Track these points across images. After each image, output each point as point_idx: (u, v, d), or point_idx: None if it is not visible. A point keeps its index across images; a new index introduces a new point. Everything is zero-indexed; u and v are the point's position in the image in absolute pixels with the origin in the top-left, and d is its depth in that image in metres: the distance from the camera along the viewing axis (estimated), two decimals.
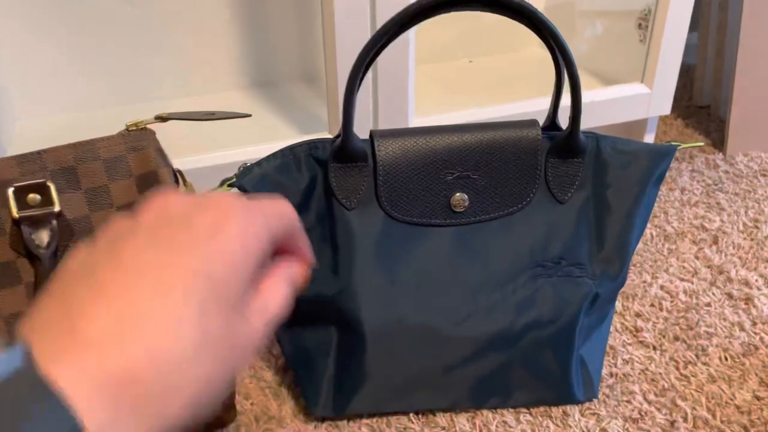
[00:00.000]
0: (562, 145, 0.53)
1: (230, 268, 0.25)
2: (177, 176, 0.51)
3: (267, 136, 0.80)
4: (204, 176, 0.72)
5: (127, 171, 0.47)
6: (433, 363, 0.52)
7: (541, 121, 0.56)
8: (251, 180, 0.51)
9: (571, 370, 0.54)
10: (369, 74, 0.73)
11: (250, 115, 0.54)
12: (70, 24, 0.83)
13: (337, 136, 0.51)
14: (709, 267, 0.74)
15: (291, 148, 0.52)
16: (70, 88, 0.87)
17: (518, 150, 0.53)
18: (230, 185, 0.51)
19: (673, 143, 0.55)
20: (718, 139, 1.02)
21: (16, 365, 0.21)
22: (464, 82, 0.99)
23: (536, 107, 0.84)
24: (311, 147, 0.52)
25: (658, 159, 0.55)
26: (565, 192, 0.54)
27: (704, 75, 1.11)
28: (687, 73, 1.22)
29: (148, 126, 0.50)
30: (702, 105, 1.13)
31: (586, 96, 0.87)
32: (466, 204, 0.53)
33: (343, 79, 0.73)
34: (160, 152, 0.49)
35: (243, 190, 0.51)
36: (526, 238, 0.54)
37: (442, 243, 0.53)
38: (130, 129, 0.49)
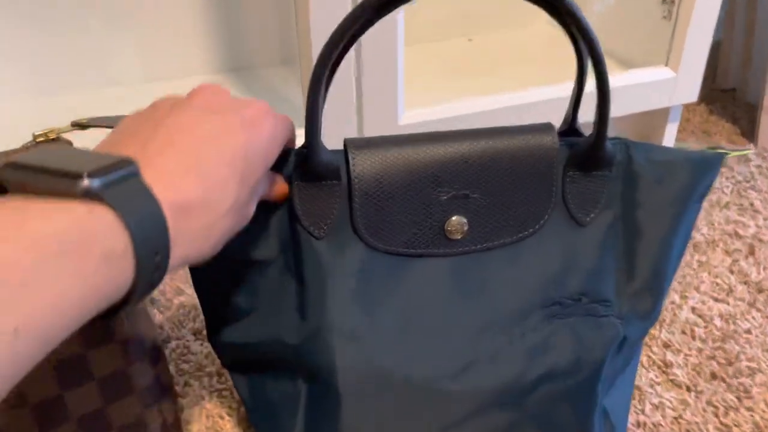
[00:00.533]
0: (584, 155, 0.42)
1: (261, 155, 0.33)
2: None
3: None
4: None
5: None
6: (425, 424, 0.42)
7: (556, 120, 0.45)
8: None
9: (593, 428, 0.44)
10: (351, 61, 0.63)
11: None
12: (27, 2, 0.72)
13: (303, 147, 0.41)
14: (746, 283, 0.64)
15: None
16: (25, 72, 0.76)
17: (529, 162, 0.42)
18: None
19: (719, 150, 0.45)
20: (747, 128, 0.92)
21: (129, 170, 0.26)
22: (463, 65, 0.88)
23: (547, 95, 0.73)
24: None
25: (702, 172, 0.44)
26: (588, 212, 0.43)
27: (731, 54, 1.00)
28: (710, 51, 1.11)
29: (62, 136, 0.39)
30: (728, 88, 1.02)
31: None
32: (465, 229, 0.42)
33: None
34: None
35: None
36: (539, 269, 0.43)
37: (434, 277, 0.43)
38: (37, 140, 0.38)
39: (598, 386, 0.43)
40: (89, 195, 0.24)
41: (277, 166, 0.40)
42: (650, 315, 0.45)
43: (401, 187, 0.42)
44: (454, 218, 0.42)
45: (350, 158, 0.41)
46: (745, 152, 0.47)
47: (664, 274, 0.44)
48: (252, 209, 0.35)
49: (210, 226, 0.29)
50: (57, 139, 0.39)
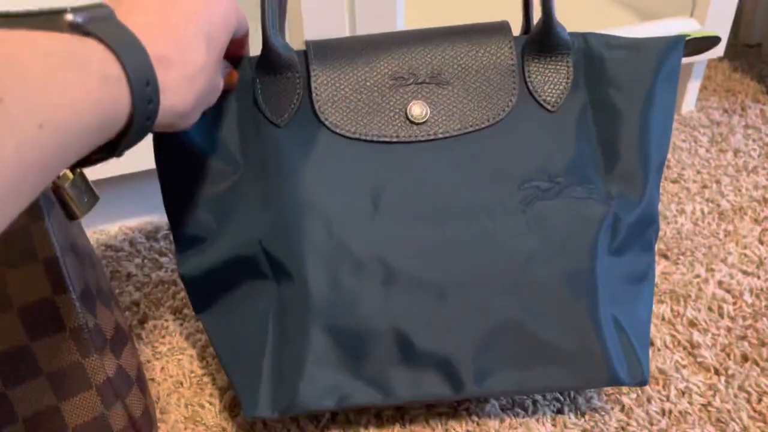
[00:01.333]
0: (538, 38, 0.43)
1: (222, 19, 0.35)
2: None
3: None
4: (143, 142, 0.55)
5: None
6: (399, 320, 0.40)
7: None
8: None
9: (603, 330, 0.40)
10: None
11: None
12: None
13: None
14: None
15: None
16: None
17: (487, 53, 0.43)
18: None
19: (680, 35, 0.45)
20: None
21: (107, 11, 0.29)
22: None
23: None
24: (234, 63, 0.42)
25: (664, 51, 0.44)
26: (555, 97, 0.44)
27: (756, 5, 0.93)
28: None
29: None
30: (752, 43, 0.95)
31: (624, 33, 0.70)
32: (428, 115, 0.42)
33: None
34: None
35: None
36: (513, 155, 0.43)
37: (403, 164, 0.42)
38: None
39: (596, 276, 0.41)
40: (76, 28, 0.26)
41: (243, 70, 0.42)
42: (639, 198, 0.44)
43: (361, 79, 0.42)
44: (414, 103, 0.43)
45: (309, 50, 0.42)
46: (710, 35, 0.46)
47: (647, 151, 0.44)
48: (220, 83, 0.37)
49: (189, 78, 0.32)
50: None
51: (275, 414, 0.39)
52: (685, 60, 0.74)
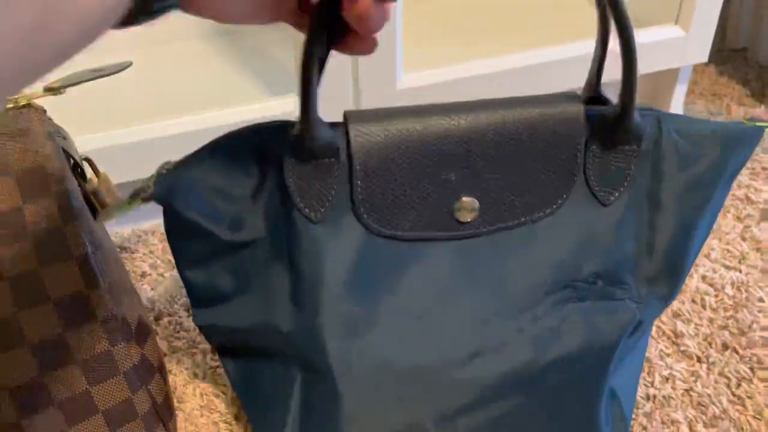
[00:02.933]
0: (609, 127, 0.38)
1: None
2: (81, 168, 0.39)
3: (227, 98, 0.67)
4: (150, 151, 0.59)
5: (3, 166, 0.35)
6: (430, 412, 0.39)
7: (567, 84, 0.42)
8: (177, 189, 0.37)
9: (599, 411, 0.42)
10: None
11: (130, 63, 0.41)
12: None
13: (299, 123, 0.37)
14: (758, 250, 0.62)
15: (229, 139, 0.38)
16: None
17: (550, 135, 0.38)
18: (145, 199, 0.36)
19: (758, 124, 0.41)
20: (759, 89, 0.88)
21: None
22: (468, 23, 0.84)
23: (558, 56, 0.70)
24: (257, 137, 0.38)
25: (735, 147, 0.40)
26: (611, 192, 0.39)
27: (741, 11, 0.96)
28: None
29: (33, 102, 0.37)
30: (738, 48, 0.98)
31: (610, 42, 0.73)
32: (476, 210, 0.39)
33: None
34: (51, 138, 0.36)
35: (164, 202, 0.37)
36: (554, 251, 0.40)
37: (440, 263, 0.39)
38: (7, 107, 0.36)
39: (609, 370, 0.41)
40: None
41: (271, 141, 0.38)
42: (669, 298, 0.42)
43: (407, 166, 0.38)
44: (465, 199, 0.39)
45: (351, 134, 0.37)
46: None
47: (686, 258, 0.41)
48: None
49: None
50: (29, 105, 0.36)
51: None
52: (671, 65, 0.77)
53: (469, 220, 0.39)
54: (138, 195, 0.37)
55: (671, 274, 0.41)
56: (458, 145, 0.38)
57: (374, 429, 0.39)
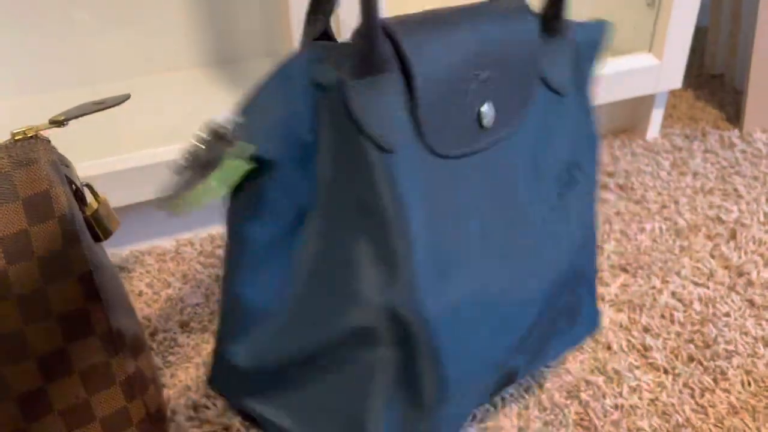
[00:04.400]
0: (549, 19, 0.41)
1: None
2: (82, 193, 0.42)
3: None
4: (152, 174, 0.62)
5: (12, 192, 0.38)
6: (509, 341, 0.40)
7: None
8: (258, 134, 0.32)
9: (595, 291, 0.46)
10: None
11: (128, 96, 0.43)
12: (13, 2, 0.73)
13: (340, 44, 0.35)
14: (726, 268, 0.65)
15: (284, 71, 0.33)
16: (9, 71, 0.76)
17: (519, 37, 0.40)
18: (255, 158, 0.32)
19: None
20: (734, 113, 0.92)
21: None
22: None
23: None
24: (309, 69, 0.34)
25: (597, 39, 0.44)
26: (564, 82, 0.42)
27: (718, 39, 1.00)
28: (697, 37, 1.11)
29: (40, 133, 0.40)
30: (714, 74, 1.02)
31: None
32: (494, 115, 0.39)
33: None
34: (55, 166, 0.39)
35: (263, 158, 0.33)
36: (544, 146, 0.42)
37: (478, 176, 0.38)
38: (16, 138, 0.39)
39: (595, 253, 0.46)
40: None
41: (320, 73, 0.34)
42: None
43: (451, 76, 0.36)
44: (485, 107, 0.38)
45: (405, 47, 0.34)
46: None
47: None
48: None
49: None
50: (35, 137, 0.39)
51: None
52: (646, 91, 0.81)
53: (490, 126, 0.38)
54: (232, 154, 0.31)
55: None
56: (473, 56, 0.37)
57: (472, 371, 0.38)
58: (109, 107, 0.43)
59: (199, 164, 0.31)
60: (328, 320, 0.37)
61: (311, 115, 0.34)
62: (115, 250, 0.69)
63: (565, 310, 0.46)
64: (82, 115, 0.41)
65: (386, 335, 0.36)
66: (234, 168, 0.31)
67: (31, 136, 0.39)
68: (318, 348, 0.38)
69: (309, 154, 0.35)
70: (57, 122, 0.40)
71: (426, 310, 0.35)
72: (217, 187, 0.31)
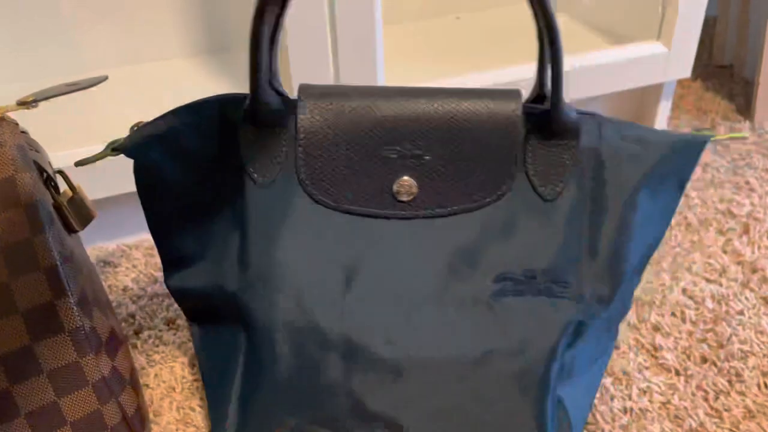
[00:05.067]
0: (543, 121, 0.40)
1: None
2: (54, 181, 0.39)
3: None
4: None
5: None
6: (356, 388, 0.40)
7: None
8: (143, 144, 0.40)
9: (546, 416, 0.41)
10: (327, 36, 0.60)
11: (105, 77, 0.44)
12: None
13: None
14: (739, 264, 0.62)
15: (196, 106, 0.41)
16: (1, 61, 0.73)
17: (490, 127, 0.40)
18: (116, 149, 0.41)
19: (704, 132, 0.41)
20: (744, 104, 0.89)
21: None
22: (450, 44, 0.85)
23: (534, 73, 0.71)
24: (222, 104, 0.41)
25: (679, 154, 0.41)
26: (552, 186, 0.41)
27: (726, 29, 0.97)
28: (706, 27, 1.08)
29: (7, 115, 0.37)
30: (724, 64, 0.99)
31: (592, 58, 0.74)
32: (415, 192, 0.41)
33: (294, 39, 0.60)
34: (22, 150, 0.36)
35: (130, 156, 0.41)
36: (495, 242, 0.41)
37: (381, 239, 0.41)
38: None
39: (551, 370, 0.41)
40: None
41: (231, 111, 0.41)
42: (610, 301, 0.42)
43: (350, 141, 0.40)
44: (404, 179, 0.41)
45: (299, 104, 0.40)
46: (739, 136, 0.43)
47: (626, 257, 0.42)
48: None
49: None
50: (1, 119, 0.36)
51: None
52: (654, 81, 0.78)
53: (407, 200, 0.41)
54: (111, 145, 0.41)
55: (612, 276, 0.42)
56: (401, 127, 0.40)
57: (304, 387, 0.40)
58: (84, 88, 0.40)
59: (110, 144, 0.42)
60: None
61: (218, 147, 0.41)
62: (101, 244, 0.66)
63: None
64: (53, 96, 0.38)
65: (240, 322, 0.42)
66: (104, 155, 0.41)
67: None
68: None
69: (191, 158, 0.42)
70: (25, 103, 0.37)
71: (268, 318, 0.40)
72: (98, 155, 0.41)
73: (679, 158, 0.41)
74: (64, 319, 0.35)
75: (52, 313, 0.35)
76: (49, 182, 0.38)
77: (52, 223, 0.36)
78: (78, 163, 0.42)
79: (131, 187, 0.61)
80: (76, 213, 0.40)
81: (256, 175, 0.41)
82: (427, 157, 0.40)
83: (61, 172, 0.40)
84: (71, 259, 0.37)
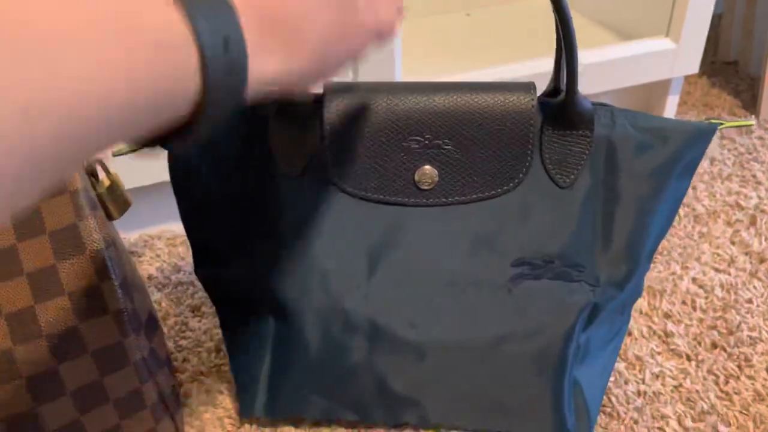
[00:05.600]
0: (558, 112, 0.41)
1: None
2: (93, 170, 0.41)
3: None
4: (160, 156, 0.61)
5: None
6: (379, 369, 0.43)
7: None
8: None
9: (563, 396, 0.44)
10: None
11: None
12: None
13: None
14: (747, 254, 0.63)
15: None
16: None
17: (505, 118, 0.42)
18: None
19: (713, 121, 0.43)
20: (749, 100, 0.91)
21: None
22: (461, 39, 0.87)
23: (547, 67, 0.72)
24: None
25: (690, 142, 0.42)
26: (567, 174, 0.42)
27: (732, 25, 0.99)
28: (712, 24, 1.09)
29: None
30: (729, 60, 1.01)
31: (600, 53, 0.75)
32: (436, 180, 0.42)
33: None
34: None
35: (166, 148, 0.42)
36: (514, 230, 0.43)
37: (404, 227, 0.43)
38: None
39: (568, 353, 0.43)
40: None
41: (260, 107, 0.42)
42: (624, 285, 0.44)
43: (374, 133, 0.42)
44: (425, 168, 0.42)
45: (325, 100, 0.41)
46: (745, 123, 0.44)
47: (640, 245, 0.43)
48: (366, 23, 0.28)
49: (302, 27, 0.24)
50: None
51: (267, 417, 0.45)
52: (662, 77, 0.79)
53: (428, 188, 0.42)
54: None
55: (627, 260, 0.43)
56: (421, 119, 0.41)
57: (331, 368, 0.43)
58: None
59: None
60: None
61: (248, 133, 0.43)
62: (124, 234, 0.68)
63: None
64: None
65: (267, 305, 0.45)
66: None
67: None
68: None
69: (222, 151, 0.43)
70: None
71: (297, 304, 0.43)
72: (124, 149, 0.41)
73: (691, 147, 0.42)
74: (108, 301, 0.37)
75: (97, 295, 0.37)
76: (89, 170, 0.40)
77: (96, 209, 0.38)
78: (115, 154, 0.43)
79: (150, 179, 0.63)
80: (114, 201, 0.42)
81: (285, 167, 0.42)
82: (447, 147, 0.42)
83: (100, 162, 0.42)
84: (114, 244, 0.38)
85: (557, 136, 0.42)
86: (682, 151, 0.42)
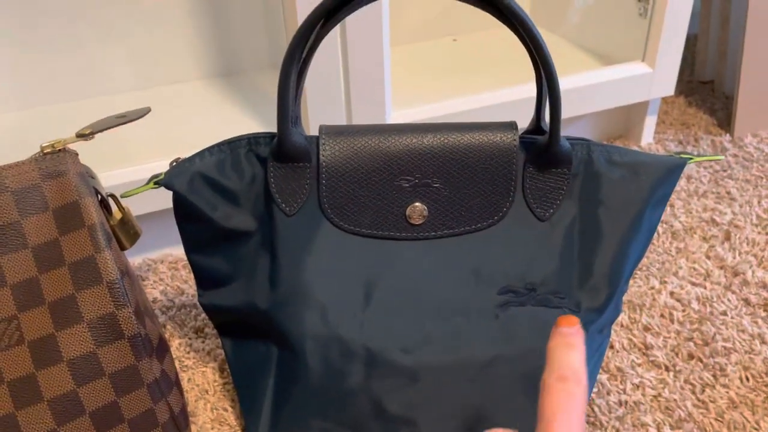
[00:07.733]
0: (542, 153, 0.45)
1: None
2: (107, 203, 0.43)
3: (230, 131, 0.72)
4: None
5: (42, 203, 0.39)
6: (375, 391, 0.45)
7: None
8: (182, 178, 0.45)
9: None
10: (339, 62, 0.65)
11: (149, 109, 0.47)
12: (18, 16, 0.74)
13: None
14: (722, 268, 0.67)
15: (229, 144, 0.46)
16: (15, 85, 0.78)
17: (490, 157, 0.45)
18: (157, 183, 0.45)
19: (683, 155, 0.47)
20: (724, 119, 0.95)
21: None
22: (448, 65, 0.90)
23: (532, 92, 0.76)
24: (251, 142, 0.46)
25: (662, 176, 0.46)
26: (547, 208, 0.46)
27: (707, 46, 1.03)
28: (688, 45, 1.14)
29: (68, 146, 0.42)
30: (705, 80, 1.05)
31: (581, 78, 0.79)
32: (426, 215, 0.46)
33: (312, 84, 0.65)
34: (83, 177, 0.41)
35: (171, 188, 0.46)
36: (499, 260, 0.46)
37: (395, 259, 0.46)
38: (45, 152, 0.41)
39: None
40: None
41: (263, 148, 0.46)
42: (604, 309, 0.47)
43: (367, 173, 0.45)
44: (415, 204, 0.46)
45: (321, 142, 0.45)
46: (714, 158, 0.48)
47: (620, 270, 0.47)
48: None
49: None
50: (63, 150, 0.41)
51: None
52: (639, 99, 0.83)
53: (419, 223, 0.46)
54: (153, 179, 0.46)
55: (607, 286, 0.47)
56: (411, 159, 0.45)
57: (336, 400, 0.45)
58: (131, 120, 0.45)
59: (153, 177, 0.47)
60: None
61: (249, 179, 0.46)
62: (129, 259, 0.70)
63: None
64: (106, 129, 0.43)
65: (271, 337, 0.47)
66: (146, 187, 0.46)
67: (59, 150, 0.41)
68: None
69: (224, 190, 0.47)
70: (83, 135, 0.42)
71: (298, 333, 0.45)
72: (142, 188, 0.46)
73: (663, 181, 0.46)
74: (123, 327, 0.40)
75: (113, 322, 0.39)
76: (103, 204, 0.43)
77: (111, 241, 0.41)
78: (124, 195, 0.46)
79: (152, 207, 0.66)
80: (125, 232, 0.45)
81: (283, 205, 0.46)
82: (436, 185, 0.46)
83: (113, 196, 0.44)
84: (127, 273, 0.41)
85: (538, 174, 0.46)
86: (654, 185, 0.46)
